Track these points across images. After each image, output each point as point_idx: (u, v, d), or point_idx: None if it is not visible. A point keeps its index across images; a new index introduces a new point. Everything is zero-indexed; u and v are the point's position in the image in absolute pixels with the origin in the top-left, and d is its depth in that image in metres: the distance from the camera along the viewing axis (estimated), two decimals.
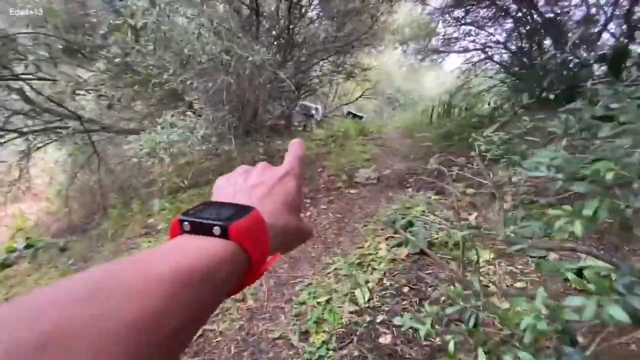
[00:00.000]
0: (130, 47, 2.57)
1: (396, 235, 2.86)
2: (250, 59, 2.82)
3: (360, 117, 14.71)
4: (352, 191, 4.03)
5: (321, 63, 8.10)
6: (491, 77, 8.68)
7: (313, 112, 8.75)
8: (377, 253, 2.65)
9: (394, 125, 10.16)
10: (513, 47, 7.06)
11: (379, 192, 4.00)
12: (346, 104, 13.53)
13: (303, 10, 5.80)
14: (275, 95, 5.70)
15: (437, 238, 2.64)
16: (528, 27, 6.36)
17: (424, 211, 3.20)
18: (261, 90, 3.77)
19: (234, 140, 4.89)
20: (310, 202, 3.70)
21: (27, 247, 3.88)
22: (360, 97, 12.95)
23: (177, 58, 2.61)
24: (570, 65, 6.26)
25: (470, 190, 3.61)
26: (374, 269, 2.47)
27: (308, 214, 3.47)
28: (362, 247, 2.81)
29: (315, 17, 6.99)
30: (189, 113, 4.80)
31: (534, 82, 7.04)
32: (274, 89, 5.54)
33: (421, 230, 2.58)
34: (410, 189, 3.98)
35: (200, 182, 4.27)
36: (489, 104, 7.83)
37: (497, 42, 7.38)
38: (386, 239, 2.87)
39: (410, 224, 2.92)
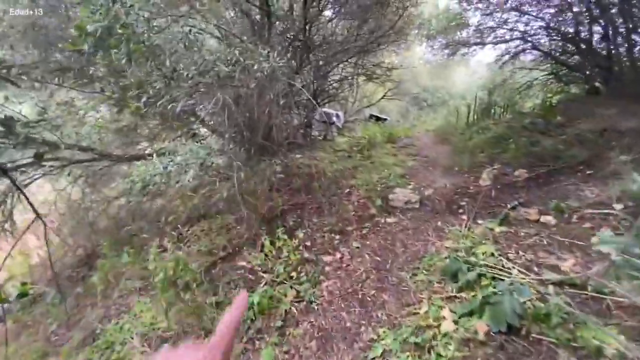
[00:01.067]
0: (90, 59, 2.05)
1: (462, 295, 2.09)
2: (257, 67, 2.19)
3: (384, 120, 13.84)
4: (389, 220, 3.28)
5: (341, 65, 7.39)
6: (533, 69, 7.64)
7: (334, 119, 8.05)
8: (439, 325, 1.90)
9: (424, 128, 9.26)
10: (565, 31, 6.03)
11: (423, 220, 3.22)
12: (368, 107, 12.74)
13: (320, 7, 5.13)
14: (291, 105, 5.05)
15: (529, 305, 1.85)
16: (585, 5, 5.34)
17: (492, 253, 2.40)
18: (274, 102, 3.14)
19: (245, 162, 4.29)
20: (339, 239, 2.99)
21: (21, 296, 3.43)
22: (382, 98, 12.10)
23: (159, 72, 2.02)
24: None
25: (548, 219, 2.76)
26: (440, 356, 1.72)
27: (338, 256, 2.76)
28: (417, 312, 2.07)
29: (333, 15, 6.31)
30: (202, 130, 4.27)
31: (593, 71, 5.99)
32: (290, 100, 4.91)
33: (506, 295, 1.80)
34: (463, 216, 3.17)
35: (210, 213, 3.68)
36: (542, 100, 6.80)
37: (546, 26, 6.36)
38: (448, 298, 2.11)
39: (481, 277, 2.14)
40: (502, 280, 2.11)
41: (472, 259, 2.32)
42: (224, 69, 2.07)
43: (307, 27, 4.59)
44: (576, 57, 6.20)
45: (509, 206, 3.11)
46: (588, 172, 3.39)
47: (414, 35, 8.68)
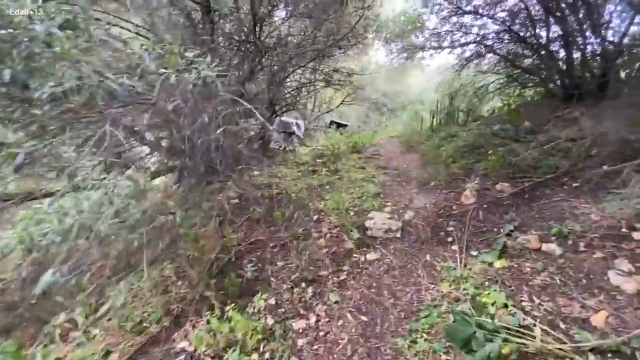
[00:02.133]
0: None
1: None
2: (180, 78, 1.52)
3: (345, 126, 13.52)
4: (370, 256, 2.73)
5: (299, 71, 6.81)
6: (490, 73, 7.68)
7: (294, 128, 7.43)
8: None
9: (387, 135, 9.00)
10: (522, 34, 6.02)
11: (410, 254, 2.71)
12: (328, 112, 12.31)
13: (271, 5, 4.49)
14: (239, 118, 4.34)
15: None
16: (543, 9, 5.32)
17: (505, 304, 1.93)
18: (213, 117, 2.45)
19: (188, 190, 3.52)
20: (312, 292, 2.35)
21: None
22: (341, 103, 11.72)
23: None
24: (599, 53, 5.29)
25: (551, 248, 2.38)
26: None
27: (313, 319, 2.12)
28: None
29: (287, 15, 5.70)
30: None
31: (549, 74, 6.06)
32: (235, 112, 4.21)
33: None
34: (454, 246, 2.72)
35: (142, 263, 2.85)
36: (501, 104, 6.78)
37: (502, 30, 6.33)
38: None
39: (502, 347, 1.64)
40: (527, 347, 1.63)
41: (483, 318, 1.82)
42: (127, 83, 1.36)
43: (257, 28, 3.92)
44: (532, 60, 6.25)
45: (503, 231, 2.72)
46: (574, 184, 3.13)
47: (372, 39, 8.39)
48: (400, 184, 4.28)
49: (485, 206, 3.18)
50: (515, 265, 2.31)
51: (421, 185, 4.10)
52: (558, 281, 2.09)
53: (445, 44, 7.84)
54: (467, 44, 7.44)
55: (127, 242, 2.98)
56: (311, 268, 2.61)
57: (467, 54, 7.74)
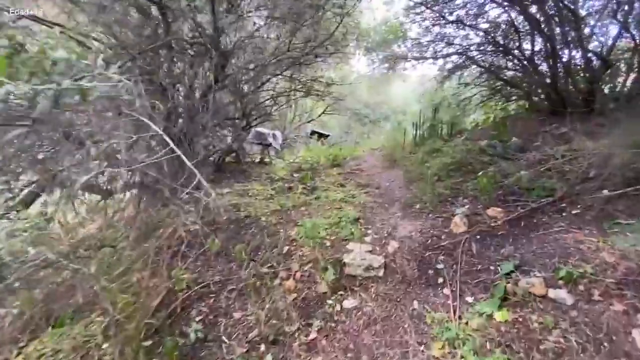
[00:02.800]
0: None
1: None
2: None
3: (327, 136, 13.13)
4: (347, 304, 2.26)
5: (275, 79, 6.37)
6: (473, 85, 7.51)
7: (270, 140, 6.94)
8: None
9: (369, 147, 8.65)
10: (506, 46, 5.84)
11: (394, 300, 2.27)
12: (309, 122, 11.92)
13: (239, 7, 4.03)
14: (205, 129, 3.87)
15: None
16: (527, 20, 5.14)
17: None
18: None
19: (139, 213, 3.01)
20: (273, 358, 1.86)
21: None
22: (323, 113, 11.34)
23: None
24: (583, 66, 5.14)
25: (560, 295, 2.00)
26: None
27: None
28: None
29: (262, 23, 5.26)
30: None
31: (536, 88, 5.89)
32: (205, 122, 3.73)
33: None
34: (445, 289, 2.30)
35: (66, 314, 2.26)
36: (485, 117, 6.57)
37: (485, 41, 6.15)
38: None
39: None
40: None
41: None
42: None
43: (219, 30, 3.45)
44: (516, 72, 6.08)
45: (500, 270, 2.32)
46: (574, 211, 2.80)
47: (353, 47, 8.09)
48: (382, 205, 3.87)
49: (478, 237, 2.79)
50: (520, 320, 1.91)
51: (406, 207, 3.70)
52: (574, 343, 1.69)
53: (428, 54, 7.63)
54: (450, 54, 7.24)
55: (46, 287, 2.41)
56: (274, 322, 2.12)
57: (450, 65, 7.57)
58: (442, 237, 2.94)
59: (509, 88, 6.57)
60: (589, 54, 4.71)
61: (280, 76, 5.90)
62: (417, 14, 6.46)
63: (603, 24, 4.69)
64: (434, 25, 6.42)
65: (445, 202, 3.61)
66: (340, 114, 12.55)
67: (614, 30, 4.51)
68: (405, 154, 6.40)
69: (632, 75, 4.67)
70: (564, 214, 2.81)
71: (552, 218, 2.80)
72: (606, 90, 4.99)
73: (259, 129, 7.05)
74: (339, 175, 5.53)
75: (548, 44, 4.80)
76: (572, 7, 4.66)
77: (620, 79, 5.08)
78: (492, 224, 2.91)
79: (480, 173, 3.53)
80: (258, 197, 4.56)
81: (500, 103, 6.91)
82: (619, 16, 4.47)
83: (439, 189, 3.93)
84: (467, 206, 3.31)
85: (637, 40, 4.49)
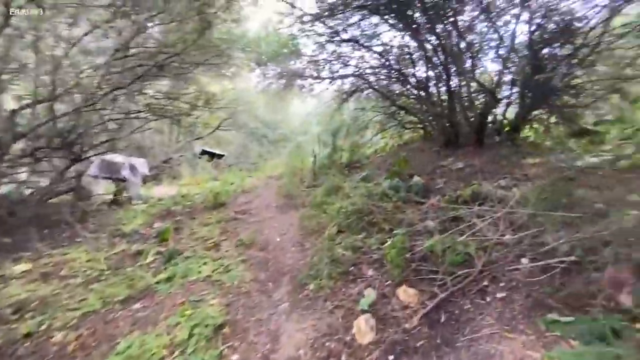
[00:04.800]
0: None
1: None
2: None
3: (220, 156, 11.46)
4: None
5: (116, 92, 4.67)
6: (371, 110, 7.21)
7: (124, 173, 5.13)
8: None
9: (266, 174, 7.51)
10: (402, 71, 5.54)
11: None
12: (197, 139, 10.14)
13: None
14: None
15: None
16: (420, 47, 4.86)
17: None
18: None
19: None
20: None
21: None
22: (214, 131, 9.77)
23: None
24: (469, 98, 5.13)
25: None
26: None
27: None
28: None
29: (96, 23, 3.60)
30: None
31: (429, 117, 5.76)
32: None
33: None
34: None
35: None
36: (384, 145, 6.19)
37: (381, 65, 5.78)
38: None
39: None
40: None
41: None
42: None
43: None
44: (412, 100, 5.88)
45: None
46: (498, 294, 2.19)
47: (242, 59, 6.91)
48: (265, 287, 2.73)
49: (385, 346, 1.91)
50: None
51: (297, 289, 2.65)
52: None
53: (324, 73, 7.01)
54: (347, 76, 6.75)
55: None
56: None
57: (347, 86, 7.11)
58: (342, 352, 1.96)
59: (403, 114, 6.39)
60: (478, 87, 4.64)
61: (124, 91, 4.25)
62: (309, 30, 5.70)
63: (491, 59, 4.69)
64: (327, 42, 5.76)
65: (346, 274, 2.71)
66: (235, 129, 11.13)
67: (499, 65, 4.51)
68: (304, 187, 5.49)
69: (514, 109, 4.79)
70: (488, 299, 2.17)
71: (477, 306, 2.13)
72: (492, 124, 5.07)
73: (107, 157, 5.15)
74: (217, 223, 4.20)
75: (443, 74, 4.56)
76: (460, 40, 4.53)
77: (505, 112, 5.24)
78: (405, 323, 2.08)
79: (388, 244, 2.72)
80: (73, 281, 2.91)
81: (397, 130, 6.72)
82: (500, 52, 4.50)
83: (338, 249, 3.04)
84: (373, 285, 2.46)
85: (515, 76, 4.60)
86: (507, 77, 4.50)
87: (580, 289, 2.02)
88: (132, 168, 5.31)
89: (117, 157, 5.20)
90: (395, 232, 2.84)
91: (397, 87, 6.00)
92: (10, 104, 3.59)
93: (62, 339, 2.18)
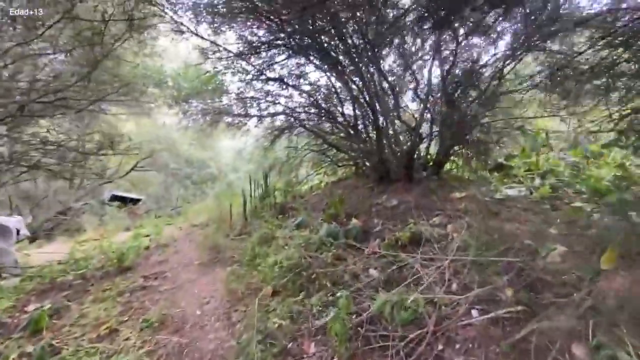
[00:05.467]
0: None
1: None
2: None
3: (136, 201, 10.00)
4: None
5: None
6: (305, 148, 7.05)
7: None
8: None
9: (189, 222, 6.62)
10: (330, 110, 5.52)
11: None
12: (106, 182, 8.69)
13: None
14: None
15: None
16: (345, 87, 4.90)
17: None
18: None
19: None
20: None
21: None
22: (127, 174, 8.55)
23: None
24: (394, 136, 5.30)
25: None
26: None
27: None
28: None
29: None
30: None
31: (357, 152, 5.78)
32: None
33: None
34: None
35: None
36: (318, 182, 5.95)
37: (310, 103, 5.70)
38: None
39: None
40: None
41: None
42: None
43: None
44: (342, 138, 5.87)
45: None
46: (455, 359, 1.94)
47: (156, 95, 6.22)
48: None
49: None
50: None
51: None
52: None
53: (253, 111, 6.71)
54: (277, 114, 6.55)
55: None
56: None
57: (278, 123, 6.89)
58: None
59: (335, 152, 6.36)
60: (403, 125, 4.79)
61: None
62: (233, 67, 5.41)
63: (411, 99, 4.92)
64: (253, 79, 5.51)
65: (283, 354, 2.21)
66: (160, 171, 9.91)
67: (419, 105, 4.74)
68: (233, 235, 4.87)
69: (435, 146, 5.03)
70: None
71: None
72: (418, 159, 5.27)
73: None
74: (119, 296, 3.31)
75: (370, 113, 4.60)
76: (382, 80, 4.69)
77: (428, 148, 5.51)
78: None
79: (330, 317, 2.32)
80: None
81: (329, 167, 6.62)
82: (419, 93, 4.77)
83: (273, 318, 2.54)
84: None
85: (434, 115, 4.88)
86: (428, 116, 4.74)
87: (534, 341, 1.89)
88: (3, 230, 4.08)
89: None
90: (338, 294, 2.46)
91: (327, 125, 5.96)
92: None
93: None
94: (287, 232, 3.95)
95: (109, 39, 3.52)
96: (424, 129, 5.00)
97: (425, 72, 4.72)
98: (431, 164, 5.21)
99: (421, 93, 4.61)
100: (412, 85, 4.91)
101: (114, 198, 9.54)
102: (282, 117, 6.82)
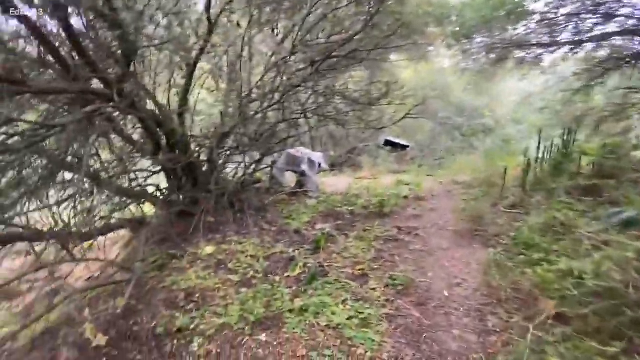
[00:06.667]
0: None
1: None
2: None
3: (404, 147, 10.67)
4: None
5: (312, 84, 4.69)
6: None
7: (304, 167, 5.32)
8: None
9: (451, 177, 6.10)
10: None
11: None
12: (381, 128, 9.72)
13: None
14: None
15: None
16: None
17: None
18: None
19: None
20: None
21: None
22: (400, 121, 9.02)
23: None
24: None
25: None
26: None
27: None
28: None
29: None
30: None
31: None
32: None
33: None
34: None
35: None
36: None
37: None
38: None
39: None
40: None
41: None
42: None
43: None
44: None
45: None
46: None
47: (435, 34, 5.67)
48: None
49: None
50: None
51: None
52: None
53: (566, 36, 4.72)
54: (609, 35, 4.22)
55: None
56: None
57: (606, 52, 4.51)
58: None
59: None
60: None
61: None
62: None
63: None
64: None
65: None
66: (417, 117, 9.91)
67: None
68: (503, 207, 3.89)
69: None
70: None
71: None
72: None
73: (292, 150, 5.50)
74: (374, 241, 3.52)
75: None
76: None
77: None
78: None
79: None
80: (232, 277, 3.05)
81: None
82: None
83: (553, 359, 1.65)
84: None
85: None
86: None
87: None
88: (310, 162, 5.46)
89: (299, 151, 5.48)
90: None
91: None
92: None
93: (197, 349, 2.20)
94: (599, 227, 2.52)
95: None
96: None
97: None
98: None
99: None
100: None
101: (387, 143, 10.53)
102: (618, 40, 4.36)
